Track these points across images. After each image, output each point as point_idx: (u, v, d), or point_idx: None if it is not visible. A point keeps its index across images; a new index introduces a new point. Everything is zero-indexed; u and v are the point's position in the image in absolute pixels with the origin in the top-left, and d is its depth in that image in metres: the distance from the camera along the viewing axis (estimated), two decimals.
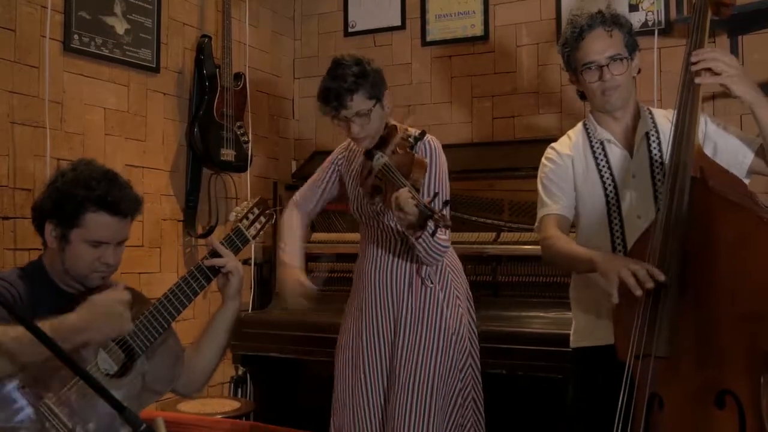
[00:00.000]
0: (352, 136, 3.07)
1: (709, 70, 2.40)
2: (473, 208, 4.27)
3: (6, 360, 2.13)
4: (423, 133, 2.99)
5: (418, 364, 2.99)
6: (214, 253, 2.61)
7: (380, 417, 3.05)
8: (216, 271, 2.61)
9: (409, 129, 3.05)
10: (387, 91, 3.09)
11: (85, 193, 2.41)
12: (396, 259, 3.09)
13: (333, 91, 2.98)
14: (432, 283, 3.06)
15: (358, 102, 2.98)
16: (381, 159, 2.80)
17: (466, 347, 3.07)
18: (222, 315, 2.70)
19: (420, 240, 2.82)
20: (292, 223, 3.34)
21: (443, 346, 3.01)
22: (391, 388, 3.03)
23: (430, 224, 2.47)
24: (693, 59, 2.42)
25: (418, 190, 2.64)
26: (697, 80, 2.41)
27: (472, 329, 3.17)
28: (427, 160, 2.87)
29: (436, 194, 2.68)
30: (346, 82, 2.96)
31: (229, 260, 2.61)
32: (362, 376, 3.08)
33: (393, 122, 3.12)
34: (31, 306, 2.36)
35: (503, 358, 3.69)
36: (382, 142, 2.99)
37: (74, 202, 2.40)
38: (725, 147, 2.65)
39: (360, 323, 3.14)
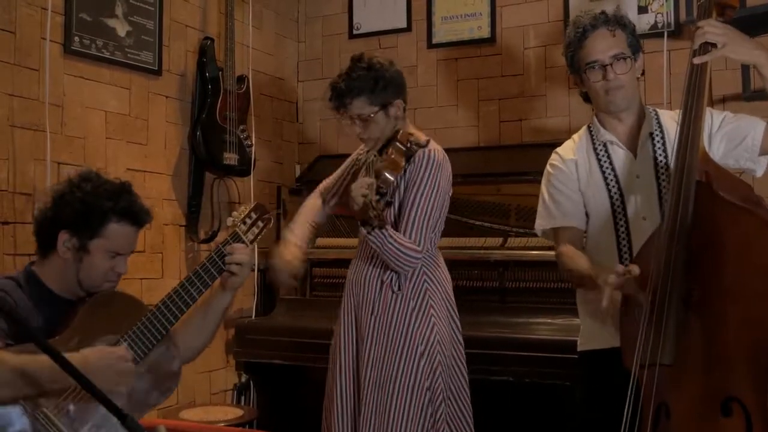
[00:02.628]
0: (355, 135, 3.13)
1: (707, 44, 2.43)
2: (479, 212, 4.25)
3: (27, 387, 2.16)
4: (427, 142, 3.03)
5: (381, 375, 3.01)
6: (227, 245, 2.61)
7: (352, 420, 3.08)
8: (222, 269, 2.59)
9: (419, 136, 3.05)
10: (399, 101, 3.11)
11: (111, 205, 2.46)
12: (369, 264, 3.12)
13: (336, 90, 3.09)
14: (399, 290, 3.05)
15: (358, 106, 3.06)
16: (370, 158, 2.90)
17: (436, 359, 3.02)
18: (220, 301, 2.69)
19: (371, 235, 2.87)
20: (306, 206, 3.42)
21: (407, 357, 3.00)
22: (360, 395, 3.05)
23: (368, 221, 2.66)
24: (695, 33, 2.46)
25: (386, 189, 2.81)
26: (695, 60, 2.43)
27: (454, 338, 3.15)
28: (404, 163, 2.93)
29: (384, 194, 2.84)
30: (350, 84, 3.04)
31: (247, 252, 2.62)
32: (336, 378, 3.12)
33: (406, 128, 3.12)
34: (28, 313, 2.37)
35: (510, 365, 3.68)
36: (387, 146, 3.03)
37: (100, 212, 2.45)
38: (734, 136, 2.66)
39: (338, 327, 3.19)
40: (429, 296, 3.06)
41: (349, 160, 3.46)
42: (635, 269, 2.30)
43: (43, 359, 2.02)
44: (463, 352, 3.17)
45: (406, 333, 3.01)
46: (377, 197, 2.73)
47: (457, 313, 3.18)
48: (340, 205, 3.41)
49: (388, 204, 2.95)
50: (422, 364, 2.99)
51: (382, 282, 3.06)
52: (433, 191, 3.01)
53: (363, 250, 3.16)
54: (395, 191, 3.03)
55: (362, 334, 3.07)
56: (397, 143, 2.95)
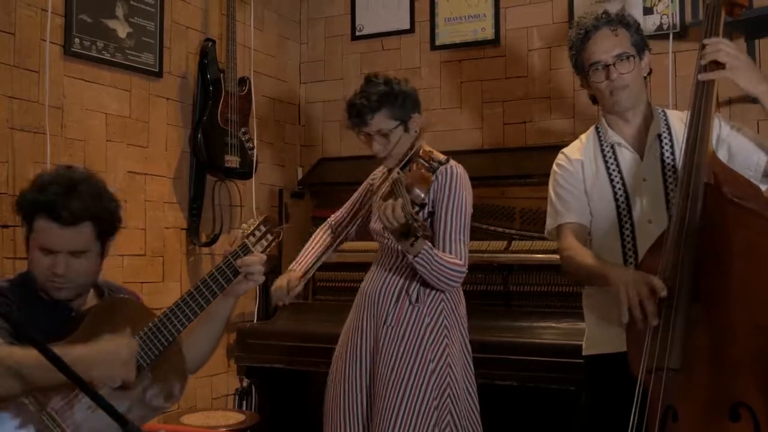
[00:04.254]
0: (373, 152, 3.14)
1: (715, 62, 2.40)
2: (484, 216, 4.22)
3: (17, 382, 2.12)
4: (447, 159, 3.02)
5: (389, 387, 2.98)
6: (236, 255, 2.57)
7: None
8: (230, 279, 2.55)
9: (437, 154, 3.03)
10: (417, 115, 3.15)
11: (33, 198, 2.39)
12: (388, 275, 3.10)
13: (356, 107, 3.10)
14: (418, 302, 3.03)
15: (379, 121, 3.08)
16: (395, 175, 2.85)
17: (446, 379, 3.00)
18: (223, 308, 2.65)
19: (418, 258, 2.85)
20: (314, 238, 3.47)
21: (418, 372, 2.97)
22: (372, 405, 3.03)
23: (413, 232, 2.62)
24: (703, 49, 2.42)
25: (418, 204, 2.76)
26: (700, 77, 2.41)
27: (466, 363, 3.12)
28: (432, 177, 2.91)
29: (424, 205, 2.81)
30: (369, 100, 3.06)
31: (261, 258, 2.57)
32: (343, 389, 3.10)
33: (422, 146, 3.09)
34: (29, 316, 2.36)
35: (514, 369, 3.67)
36: (405, 164, 3.01)
37: (27, 206, 2.41)
38: (739, 150, 2.62)
39: (347, 337, 3.17)
40: (444, 316, 3.05)
41: (360, 188, 3.46)
42: (664, 292, 2.25)
43: (31, 354, 2.00)
44: (473, 381, 3.13)
45: (418, 348, 2.99)
46: (416, 209, 2.71)
47: (468, 341, 3.15)
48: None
49: (431, 214, 2.93)
50: (432, 381, 2.97)
51: (401, 292, 3.05)
52: (461, 205, 3.03)
53: (382, 260, 3.15)
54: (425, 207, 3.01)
55: (378, 346, 3.04)
56: (420, 159, 2.93)
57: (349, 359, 3.11)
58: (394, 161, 3.08)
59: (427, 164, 2.91)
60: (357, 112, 3.09)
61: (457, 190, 3.03)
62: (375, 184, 3.29)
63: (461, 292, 3.17)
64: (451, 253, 2.97)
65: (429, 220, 3.00)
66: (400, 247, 2.95)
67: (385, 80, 3.12)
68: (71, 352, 2.11)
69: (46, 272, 2.40)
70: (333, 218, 3.53)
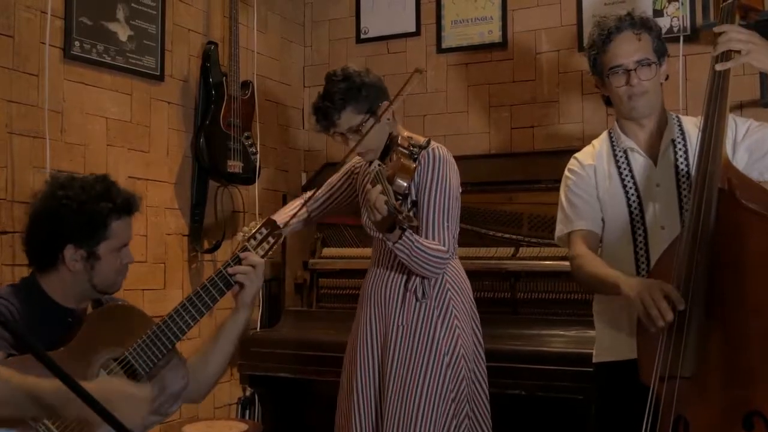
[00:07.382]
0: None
1: (730, 51, 2.41)
2: (491, 222, 4.19)
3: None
4: (428, 142, 2.98)
5: (406, 385, 2.96)
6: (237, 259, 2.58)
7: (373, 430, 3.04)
8: (230, 284, 2.57)
9: (417, 138, 3.02)
10: (386, 103, 3.10)
11: (109, 205, 2.48)
12: (391, 273, 3.07)
13: (320, 110, 3.08)
14: (425, 297, 3.00)
15: (348, 118, 3.05)
16: (375, 167, 2.82)
17: (461, 371, 2.98)
18: (233, 323, 2.68)
19: (398, 245, 2.82)
20: (290, 205, 3.46)
21: (433, 367, 2.95)
22: (382, 404, 3.00)
23: (398, 225, 2.60)
24: (716, 36, 2.44)
25: (401, 194, 2.76)
26: (717, 67, 2.41)
27: (477, 352, 3.11)
28: (414, 165, 2.87)
29: (406, 195, 2.83)
30: (332, 100, 3.04)
31: (257, 261, 2.57)
32: (355, 389, 3.06)
33: (400, 132, 3.10)
34: (31, 323, 2.37)
35: (522, 378, 3.63)
36: (386, 154, 3.00)
37: (101, 216, 2.47)
38: (757, 147, 2.61)
39: (355, 338, 3.13)
40: (453, 306, 3.02)
41: (342, 171, 3.43)
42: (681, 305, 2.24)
43: (50, 383, 1.99)
44: (484, 368, 3.13)
45: (431, 342, 2.97)
46: (399, 201, 2.68)
47: (480, 329, 3.15)
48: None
49: (414, 204, 2.91)
50: (448, 374, 2.95)
51: (406, 290, 3.02)
52: (446, 189, 2.99)
53: (381, 258, 3.11)
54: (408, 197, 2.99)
55: (387, 344, 3.01)
56: (399, 148, 2.90)
57: (360, 360, 3.06)
58: (373, 154, 3.06)
59: (407, 152, 2.88)
60: (323, 115, 3.07)
61: (440, 173, 2.99)
62: (358, 181, 3.27)
63: (466, 279, 3.15)
64: (434, 239, 2.94)
65: (413, 210, 2.96)
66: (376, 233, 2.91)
67: (344, 75, 3.08)
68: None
69: (120, 268, 2.55)
70: (310, 195, 3.48)
